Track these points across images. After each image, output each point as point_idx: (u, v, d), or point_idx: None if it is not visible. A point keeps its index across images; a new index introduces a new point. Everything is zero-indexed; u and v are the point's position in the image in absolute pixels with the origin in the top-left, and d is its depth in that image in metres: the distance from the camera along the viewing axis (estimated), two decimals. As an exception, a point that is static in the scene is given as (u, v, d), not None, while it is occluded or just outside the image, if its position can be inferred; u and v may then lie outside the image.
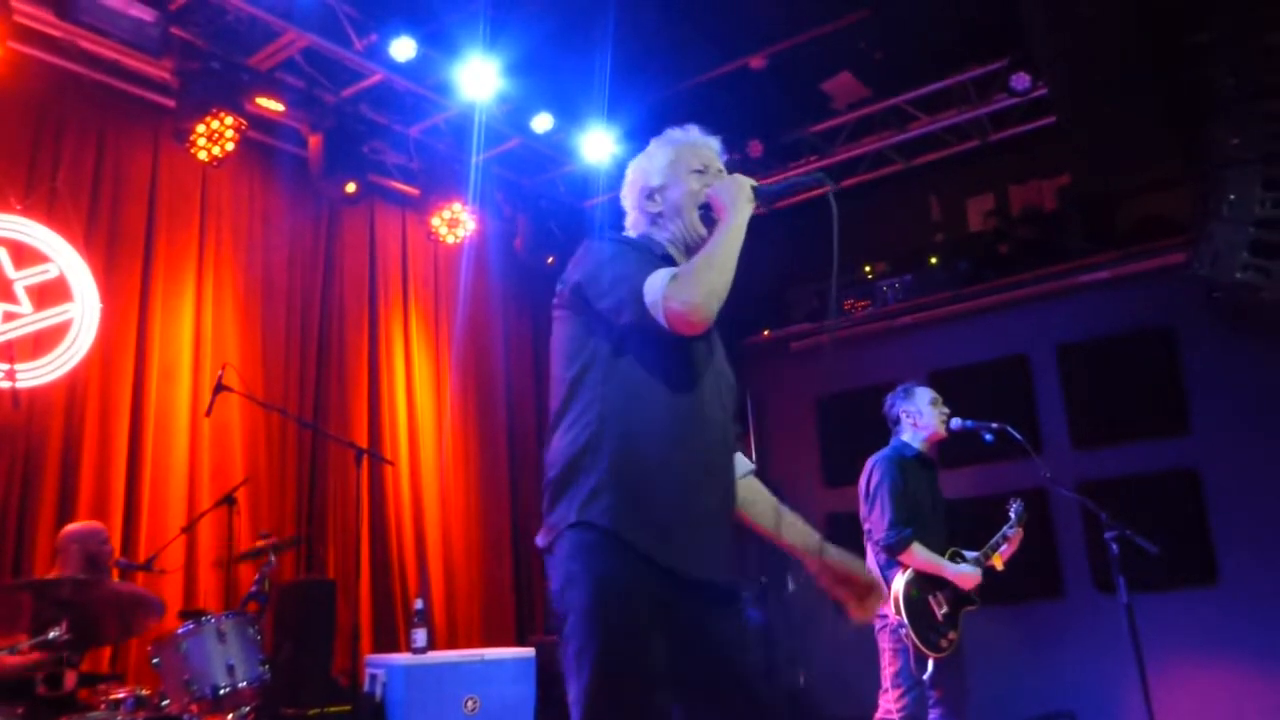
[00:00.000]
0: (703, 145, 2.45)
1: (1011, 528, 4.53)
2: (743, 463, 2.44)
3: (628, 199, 2.49)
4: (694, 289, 2.06)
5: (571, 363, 2.24)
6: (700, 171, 2.39)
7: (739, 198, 2.22)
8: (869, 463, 4.49)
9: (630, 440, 2.13)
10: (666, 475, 2.12)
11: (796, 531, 2.39)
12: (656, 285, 2.09)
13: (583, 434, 2.16)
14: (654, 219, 2.42)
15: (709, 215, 2.29)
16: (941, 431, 4.50)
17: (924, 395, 4.54)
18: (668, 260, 2.31)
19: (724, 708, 2.13)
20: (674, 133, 2.48)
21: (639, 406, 2.16)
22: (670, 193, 2.39)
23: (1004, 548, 4.48)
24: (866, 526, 4.41)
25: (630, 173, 2.50)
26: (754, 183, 2.27)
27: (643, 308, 2.09)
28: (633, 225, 2.49)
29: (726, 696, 2.13)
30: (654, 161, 2.44)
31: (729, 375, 2.39)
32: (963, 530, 4.60)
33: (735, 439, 2.33)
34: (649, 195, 2.42)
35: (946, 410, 4.54)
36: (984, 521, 4.66)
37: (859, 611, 2.33)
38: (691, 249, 2.33)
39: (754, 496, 2.44)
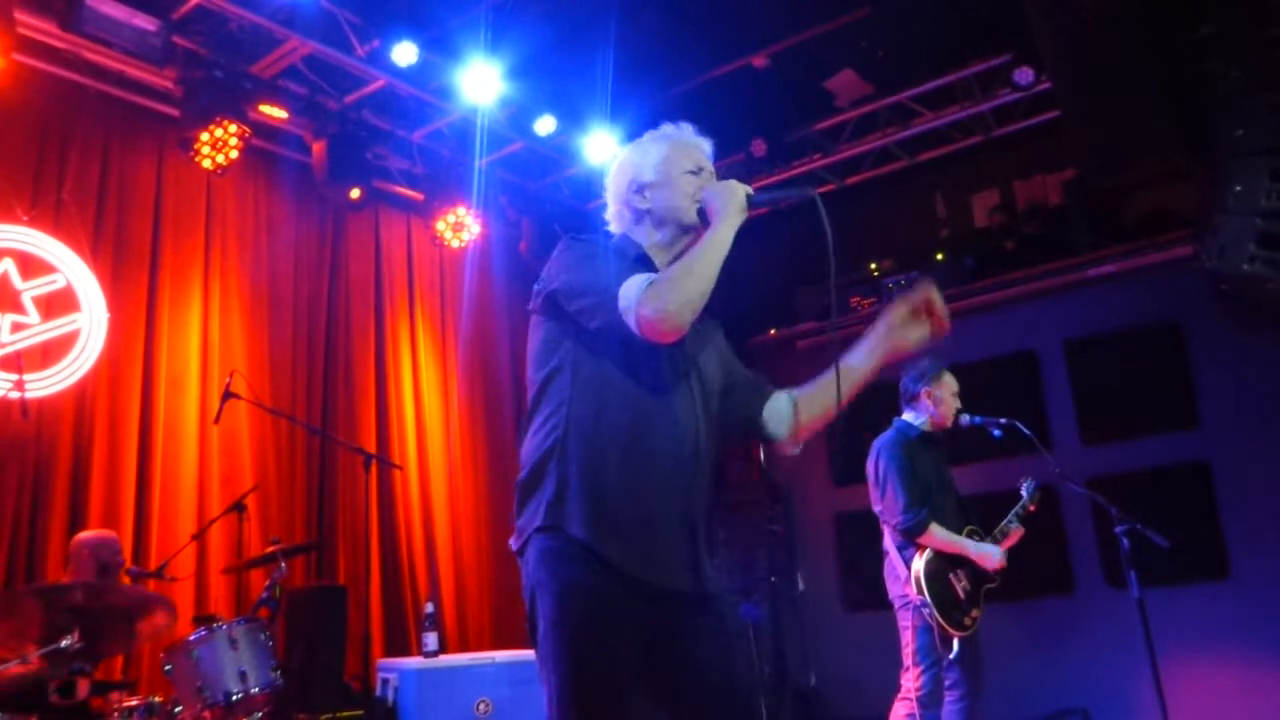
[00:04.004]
0: (695, 145, 2.39)
1: (1020, 510, 4.52)
2: (776, 398, 2.38)
3: (612, 190, 2.42)
4: (669, 298, 2.02)
5: (542, 365, 2.22)
6: (694, 173, 2.33)
7: (730, 205, 2.17)
8: (874, 447, 4.48)
9: (594, 446, 2.11)
10: (628, 482, 2.09)
11: (837, 386, 2.24)
12: (631, 291, 2.06)
13: (548, 438, 2.15)
14: (639, 216, 2.36)
15: (704, 219, 2.23)
16: (949, 423, 4.50)
17: (951, 383, 4.54)
18: (642, 262, 2.27)
19: (705, 716, 2.11)
20: (668, 129, 2.41)
21: (605, 412, 2.13)
22: (662, 192, 2.32)
23: (1010, 535, 4.47)
24: (878, 509, 4.40)
25: (618, 164, 2.43)
26: (749, 190, 2.21)
27: (615, 313, 2.07)
28: (614, 218, 2.42)
29: (707, 705, 2.10)
30: (647, 156, 2.37)
31: (714, 380, 2.33)
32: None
33: (714, 444, 2.26)
34: (638, 190, 2.35)
35: (960, 405, 4.54)
36: (994, 518, 4.66)
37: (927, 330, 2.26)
38: (677, 252, 2.30)
39: (791, 406, 2.35)
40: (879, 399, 5.02)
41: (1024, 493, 4.62)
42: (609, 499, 2.07)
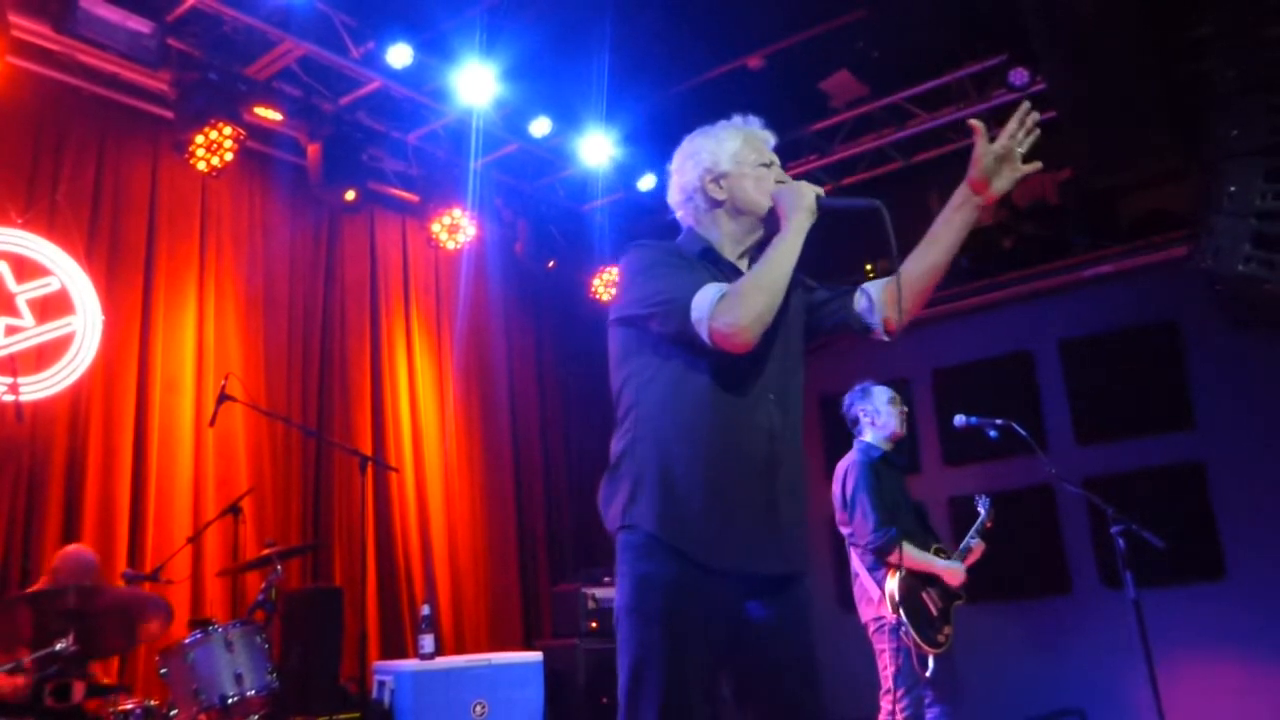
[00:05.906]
0: (764, 139, 2.41)
1: (980, 528, 4.55)
2: (863, 291, 2.41)
3: (681, 180, 2.40)
4: (740, 312, 2.08)
5: (618, 371, 2.31)
6: (766, 166, 2.35)
7: (799, 208, 2.21)
8: (840, 469, 4.49)
9: (663, 444, 2.18)
10: (698, 477, 2.15)
11: (942, 232, 2.43)
12: (704, 303, 2.11)
13: (622, 440, 2.25)
14: (713, 205, 2.36)
15: (774, 220, 2.26)
16: (901, 430, 4.53)
17: (882, 394, 4.57)
18: (706, 257, 2.31)
19: (765, 697, 2.18)
20: (737, 120, 2.42)
21: (673, 411, 2.20)
22: (740, 183, 2.33)
23: (972, 552, 4.50)
24: (847, 531, 4.41)
25: (688, 153, 2.41)
26: (819, 191, 2.24)
27: (687, 322, 2.12)
28: (682, 207, 2.42)
29: (765, 687, 2.18)
30: (722, 146, 2.36)
31: (791, 373, 2.36)
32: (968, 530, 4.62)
33: (796, 418, 2.34)
34: (715, 179, 2.35)
35: (905, 408, 4.58)
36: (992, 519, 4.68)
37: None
38: (749, 245, 2.34)
39: (885, 287, 2.40)
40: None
41: (980, 509, 4.70)
42: (679, 495, 2.14)
